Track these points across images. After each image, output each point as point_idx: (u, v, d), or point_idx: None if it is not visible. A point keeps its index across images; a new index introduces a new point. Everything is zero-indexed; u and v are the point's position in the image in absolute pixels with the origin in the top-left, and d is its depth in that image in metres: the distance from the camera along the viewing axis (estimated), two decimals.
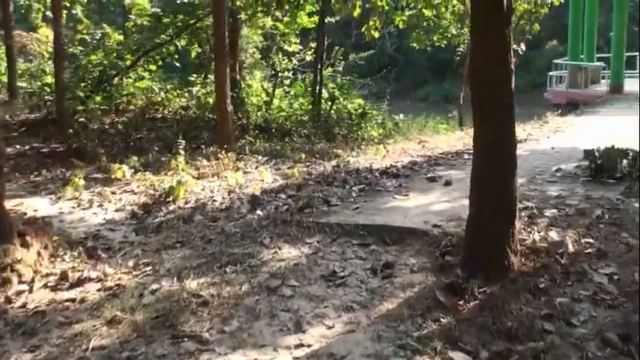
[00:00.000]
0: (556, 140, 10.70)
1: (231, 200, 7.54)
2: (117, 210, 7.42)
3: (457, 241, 5.27)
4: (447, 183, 7.46)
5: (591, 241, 5.40)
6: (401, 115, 19.57)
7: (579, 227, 5.73)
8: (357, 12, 17.68)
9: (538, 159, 9.07)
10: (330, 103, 16.28)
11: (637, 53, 23.77)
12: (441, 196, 6.99)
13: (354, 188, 7.60)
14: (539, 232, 5.43)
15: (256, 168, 9.98)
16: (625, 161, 7.73)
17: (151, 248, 5.88)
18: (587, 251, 5.17)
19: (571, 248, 5.17)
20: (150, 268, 5.32)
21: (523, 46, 16.96)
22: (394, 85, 27.91)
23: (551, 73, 23.05)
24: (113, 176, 8.99)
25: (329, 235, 5.85)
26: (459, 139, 11.94)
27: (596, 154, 7.85)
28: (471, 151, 10.29)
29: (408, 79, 42.73)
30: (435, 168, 8.71)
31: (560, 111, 15.83)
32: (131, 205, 7.57)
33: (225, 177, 8.98)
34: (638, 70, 20.85)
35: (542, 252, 5.06)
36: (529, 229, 5.54)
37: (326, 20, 17.11)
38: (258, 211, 6.81)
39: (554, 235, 5.41)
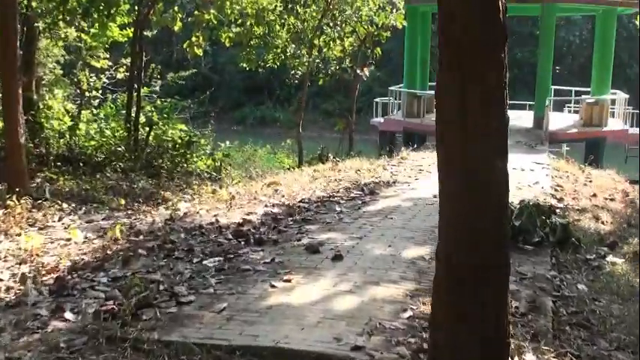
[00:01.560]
0: (428, 184, 9.04)
1: (23, 286, 5.05)
2: None
3: None
4: (337, 257, 5.49)
5: None
6: (227, 142, 17.66)
7: (544, 336, 4.08)
8: (177, 25, 15.66)
9: (429, 214, 7.24)
10: (147, 128, 13.85)
11: None
12: (338, 281, 4.95)
13: (206, 264, 5.42)
14: (512, 358, 3.64)
15: (60, 220, 7.69)
16: (538, 221, 6.30)
17: None
18: None
19: None
20: None
21: (366, 72, 15.78)
22: (209, 108, 25.94)
23: (377, 100, 22.06)
24: None
25: None
26: (311, 179, 10.03)
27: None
28: (338, 199, 8.65)
29: (223, 101, 40.83)
30: (307, 228, 6.64)
31: (415, 145, 14.61)
32: None
33: (17, 237, 6.57)
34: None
35: None
36: None
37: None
38: (68, 314, 4.38)
39: None
